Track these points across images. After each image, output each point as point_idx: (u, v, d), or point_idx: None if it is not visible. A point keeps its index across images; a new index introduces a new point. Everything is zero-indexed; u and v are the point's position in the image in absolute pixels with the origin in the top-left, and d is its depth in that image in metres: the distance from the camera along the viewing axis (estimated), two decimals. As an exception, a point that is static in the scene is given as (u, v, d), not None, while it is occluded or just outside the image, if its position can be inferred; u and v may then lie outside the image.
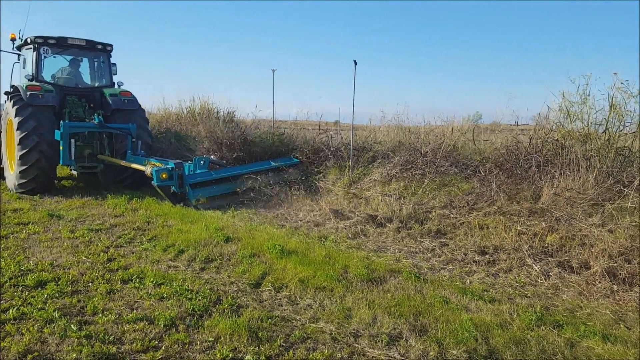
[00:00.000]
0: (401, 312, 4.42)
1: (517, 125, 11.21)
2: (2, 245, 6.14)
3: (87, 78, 11.87)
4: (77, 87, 11.49)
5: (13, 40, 11.67)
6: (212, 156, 10.77)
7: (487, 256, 6.16)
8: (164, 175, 8.69)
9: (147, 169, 9.12)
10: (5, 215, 7.81)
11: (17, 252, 5.88)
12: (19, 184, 9.79)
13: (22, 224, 7.30)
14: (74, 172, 11.89)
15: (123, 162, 10.07)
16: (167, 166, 8.91)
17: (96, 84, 11.73)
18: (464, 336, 4.01)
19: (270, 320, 4.21)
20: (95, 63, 11.88)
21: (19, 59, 11.87)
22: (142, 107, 11.64)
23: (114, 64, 11.97)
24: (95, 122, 10.33)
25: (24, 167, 9.58)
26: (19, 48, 11.72)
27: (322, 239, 7.04)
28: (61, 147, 9.75)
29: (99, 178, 11.70)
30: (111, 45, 11.66)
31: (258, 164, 10.43)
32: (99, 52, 11.64)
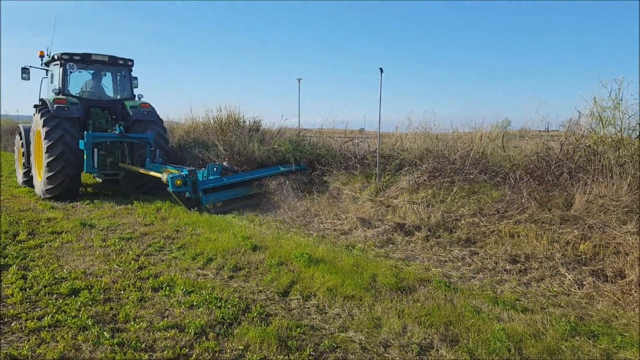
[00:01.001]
0: (431, 322, 4.36)
1: (548, 131, 10.98)
2: (37, 254, 6.28)
3: (109, 91, 12.53)
4: (100, 99, 12.14)
5: (41, 57, 12.49)
6: (224, 163, 11.23)
7: (518, 265, 6.04)
8: (178, 182, 9.08)
9: (163, 176, 9.50)
10: (40, 224, 8.00)
11: (51, 261, 6.01)
12: (46, 190, 10.35)
13: (56, 232, 7.46)
14: (99, 179, 12.59)
15: (142, 170, 10.60)
16: (182, 173, 9.28)
17: (118, 97, 12.32)
18: (496, 346, 3.93)
19: (299, 329, 4.20)
20: (118, 77, 12.49)
21: (47, 75, 12.62)
22: (160, 117, 12.16)
23: (135, 78, 12.68)
24: (116, 132, 10.91)
25: (51, 174, 10.17)
26: (47, 64, 12.46)
27: (350, 247, 7.01)
28: (85, 156, 10.35)
29: (120, 184, 12.26)
30: (132, 61, 12.32)
31: (267, 169, 10.89)
32: (120, 66, 12.29)
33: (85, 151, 10.33)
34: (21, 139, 12.36)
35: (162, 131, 11.98)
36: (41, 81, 12.97)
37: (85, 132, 10.47)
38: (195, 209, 9.26)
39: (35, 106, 11.60)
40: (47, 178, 10.24)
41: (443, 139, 9.95)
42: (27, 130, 12.04)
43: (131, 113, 11.56)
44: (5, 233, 7.23)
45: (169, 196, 9.67)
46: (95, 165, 10.63)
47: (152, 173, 10.16)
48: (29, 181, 12.03)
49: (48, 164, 10.13)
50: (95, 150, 10.58)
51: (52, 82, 12.17)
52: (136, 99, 12.27)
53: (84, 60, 11.76)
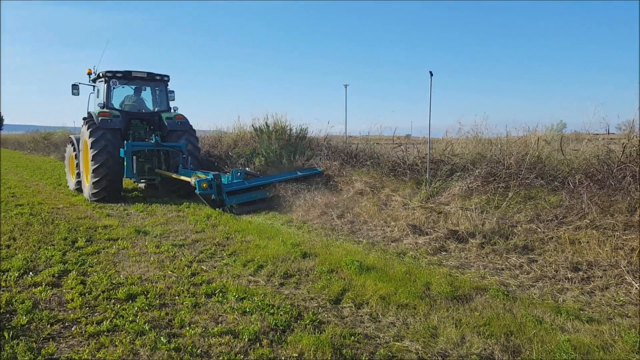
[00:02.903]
0: (491, 332, 4.19)
1: (608, 133, 10.47)
2: (95, 260, 6.47)
3: (148, 104, 13.71)
4: (140, 112, 13.36)
5: (89, 74, 13.86)
6: (247, 168, 12.33)
7: (580, 273, 5.75)
8: (204, 185, 10.07)
9: (192, 180, 10.35)
10: (97, 231, 8.25)
11: (108, 267, 6.17)
12: (92, 193, 11.56)
13: (112, 239, 7.68)
14: (141, 185, 14.20)
15: (174, 175, 11.65)
16: (208, 177, 10.33)
17: (155, 109, 13.47)
18: (561, 358, 3.73)
19: (353, 337, 4.12)
20: (156, 91, 13.62)
21: (93, 90, 13.86)
22: (192, 128, 13.20)
23: (172, 91, 13.89)
24: (153, 141, 12.00)
25: (96, 179, 11.35)
26: (94, 81, 13.73)
27: (401, 255, 6.87)
28: (125, 163, 11.60)
29: (158, 189, 13.37)
30: (167, 76, 13.48)
31: (286, 173, 11.72)
32: (157, 82, 13.44)
33: (125, 158, 11.54)
34: (74, 148, 13.58)
35: (194, 140, 13.00)
36: (89, 96, 14.16)
37: (125, 142, 11.63)
38: (220, 209, 10.21)
39: (84, 119, 12.68)
40: (92, 183, 11.40)
41: (497, 143, 9.65)
42: (78, 141, 13.28)
43: (167, 124, 12.69)
44: (64, 240, 7.49)
45: (194, 197, 10.82)
46: (135, 171, 11.75)
47: (183, 177, 11.08)
48: (80, 187, 13.05)
49: (93, 171, 11.28)
50: (135, 157, 11.73)
51: (98, 97, 13.31)
52: (172, 111, 13.36)
53: (126, 77, 12.91)
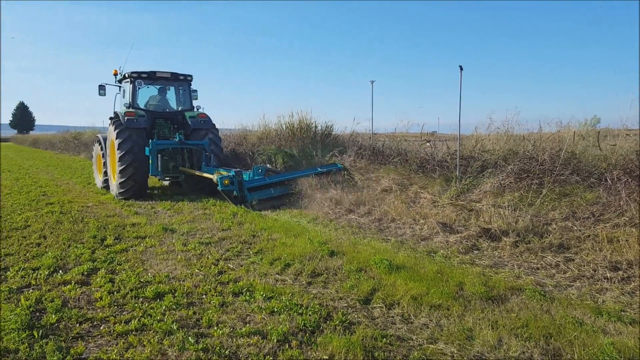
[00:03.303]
0: (529, 334, 4.01)
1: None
2: (123, 258, 6.47)
3: (173, 103, 13.96)
4: (165, 111, 13.63)
5: (115, 75, 14.18)
6: (268, 165, 12.52)
7: (620, 272, 5.50)
8: (226, 182, 10.28)
9: (214, 177, 10.66)
10: (125, 229, 8.29)
11: (136, 265, 6.16)
12: (119, 193, 11.89)
13: (140, 237, 7.69)
14: (165, 183, 14.64)
15: (197, 172, 11.86)
16: (229, 174, 10.50)
17: (179, 108, 13.70)
18: (607, 364, 3.54)
19: (384, 339, 3.99)
20: (181, 91, 13.84)
21: (120, 91, 14.16)
22: (215, 126, 13.44)
23: (195, 91, 14.02)
24: (177, 139, 12.31)
25: (122, 180, 11.69)
26: (120, 81, 14.05)
27: (431, 253, 6.70)
28: (150, 161, 11.92)
29: (182, 186, 13.47)
30: (191, 76, 13.65)
31: (307, 170, 11.87)
32: (181, 82, 13.66)
33: (150, 157, 11.89)
34: (101, 148, 13.94)
35: (216, 139, 13.24)
36: (115, 96, 14.52)
37: (150, 140, 11.99)
38: (242, 205, 10.32)
39: (110, 118, 13.09)
40: (119, 183, 11.75)
41: (530, 139, 9.37)
42: (105, 140, 13.65)
43: (190, 123, 12.92)
44: (94, 238, 7.53)
45: (218, 194, 10.99)
46: (159, 169, 12.13)
47: (206, 175, 11.34)
48: (107, 184, 13.37)
49: (120, 171, 11.65)
50: (159, 156, 12.10)
51: (124, 97, 13.61)
52: (195, 110, 13.56)
53: (150, 78, 13.20)
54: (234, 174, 10.48)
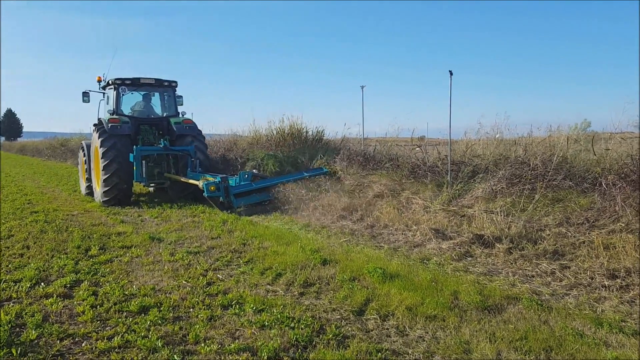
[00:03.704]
0: (529, 347, 3.88)
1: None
2: (107, 269, 6.27)
3: (157, 109, 13.88)
4: (149, 117, 13.53)
5: (99, 82, 14.01)
6: (254, 170, 12.39)
7: (618, 280, 5.40)
8: (212, 188, 10.27)
9: (200, 183, 10.59)
10: (110, 238, 8.08)
11: (121, 276, 5.97)
12: (103, 201, 11.82)
13: (126, 247, 7.49)
14: (150, 189, 14.41)
15: (182, 178, 11.83)
16: (215, 180, 10.48)
17: (164, 114, 13.63)
18: (609, 378, 3.42)
19: (380, 353, 3.84)
20: (165, 97, 13.80)
21: (103, 97, 14.01)
22: (201, 132, 13.45)
23: (180, 96, 14.03)
24: (161, 145, 12.25)
25: (107, 188, 11.61)
26: (104, 88, 13.92)
27: (425, 260, 6.58)
28: (135, 167, 11.87)
29: (168, 192, 13.36)
30: (175, 82, 13.61)
31: (292, 174, 11.86)
32: (166, 87, 13.61)
33: (134, 163, 11.85)
34: (84, 154, 13.82)
35: (201, 144, 13.19)
36: (99, 103, 14.33)
37: (134, 147, 11.95)
38: (229, 211, 10.34)
39: (94, 125, 12.95)
40: (103, 186, 11.68)
41: (521, 144, 9.29)
42: (89, 146, 13.52)
43: (175, 129, 12.84)
44: (78, 248, 7.32)
45: (205, 200, 10.96)
46: (144, 175, 12.13)
47: (191, 181, 11.30)
48: (90, 191, 13.30)
49: (104, 180, 11.56)
50: (144, 162, 12.09)
51: (107, 104, 13.47)
52: (180, 115, 13.46)
53: (134, 84, 13.11)
54: (220, 180, 10.45)
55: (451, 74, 8.88)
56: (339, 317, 4.65)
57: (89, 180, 13.42)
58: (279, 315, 4.57)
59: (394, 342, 4.10)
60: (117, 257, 6.87)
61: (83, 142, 14.57)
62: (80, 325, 4.45)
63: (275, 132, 15.95)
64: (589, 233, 6.50)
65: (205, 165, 12.97)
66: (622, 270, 5.52)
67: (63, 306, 4.92)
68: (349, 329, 4.36)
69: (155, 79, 13.31)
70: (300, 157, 13.46)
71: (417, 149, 10.92)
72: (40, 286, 5.53)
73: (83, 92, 13.60)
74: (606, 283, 5.36)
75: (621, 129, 8.40)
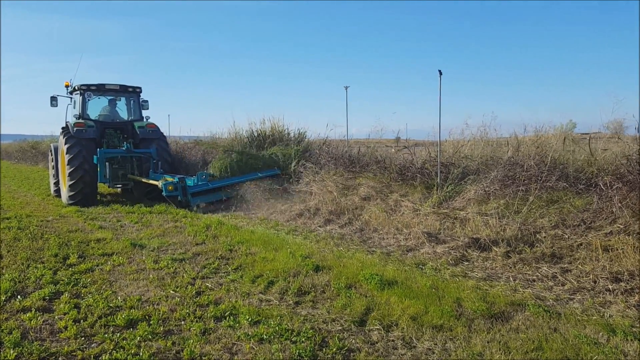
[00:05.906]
0: (545, 358, 3.70)
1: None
2: (89, 279, 5.90)
3: (123, 114, 14.57)
4: (114, 121, 14.23)
5: (67, 87, 14.55)
6: (209, 171, 12.90)
7: (622, 284, 5.28)
8: (170, 187, 10.99)
9: (159, 183, 11.25)
10: (89, 245, 7.68)
11: (104, 287, 5.61)
12: (69, 196, 12.27)
13: (106, 254, 7.11)
14: (118, 189, 15.01)
15: (144, 179, 12.45)
16: (173, 180, 11.22)
17: (129, 118, 14.33)
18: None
19: (389, 368, 3.61)
20: (131, 102, 14.50)
21: (71, 102, 14.64)
22: (163, 135, 14.32)
23: (146, 101, 14.74)
24: (124, 148, 12.89)
25: (72, 182, 12.11)
26: (71, 93, 14.51)
27: (420, 265, 6.39)
28: (99, 169, 12.55)
29: (133, 193, 14.04)
30: (140, 88, 14.40)
31: (246, 175, 12.42)
32: (130, 93, 14.35)
33: (98, 165, 12.54)
34: (51, 156, 14.58)
35: (164, 146, 13.96)
36: (67, 107, 14.90)
37: (98, 149, 12.62)
38: (187, 209, 11.00)
39: (62, 129, 13.59)
40: (69, 186, 12.15)
41: (512, 144, 9.19)
42: (57, 149, 14.07)
43: (139, 132, 13.57)
44: (55, 256, 6.91)
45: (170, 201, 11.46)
46: (107, 177, 12.87)
47: (152, 181, 11.96)
48: (58, 192, 13.71)
49: (69, 174, 12.08)
50: (108, 164, 12.83)
51: (74, 108, 14.13)
52: (144, 120, 14.27)
53: (99, 90, 13.85)
54: (177, 180, 11.17)
55: (440, 73, 8.74)
56: (340, 328, 4.40)
57: (56, 181, 13.91)
58: (277, 328, 4.31)
59: (402, 355, 3.87)
60: (97, 266, 6.49)
61: (52, 144, 15.19)
62: (64, 343, 4.10)
63: (256, 134, 15.67)
64: (585, 235, 6.39)
65: (172, 165, 13.85)
66: (625, 273, 5.41)
67: (43, 321, 4.56)
68: (353, 341, 4.12)
69: (120, 85, 14.03)
70: (281, 157, 13.29)
71: (405, 149, 10.74)
72: (17, 299, 5.14)
73: (51, 97, 14.19)
74: (610, 287, 5.24)
75: (611, 129, 8.36)
